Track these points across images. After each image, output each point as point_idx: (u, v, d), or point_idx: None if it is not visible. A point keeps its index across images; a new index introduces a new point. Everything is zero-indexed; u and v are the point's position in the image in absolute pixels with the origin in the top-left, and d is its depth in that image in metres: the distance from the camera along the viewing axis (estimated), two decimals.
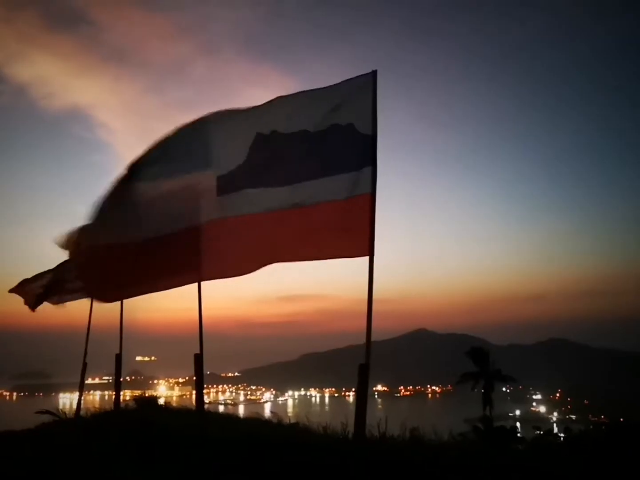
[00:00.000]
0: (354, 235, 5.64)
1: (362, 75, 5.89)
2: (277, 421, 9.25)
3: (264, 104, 6.29)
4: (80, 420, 11.04)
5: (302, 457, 5.87)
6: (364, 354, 5.20)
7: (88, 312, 11.70)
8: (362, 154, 5.71)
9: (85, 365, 11.92)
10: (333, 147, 5.91)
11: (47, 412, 11.67)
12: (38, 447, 8.30)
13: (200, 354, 6.66)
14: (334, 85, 5.99)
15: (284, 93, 6.26)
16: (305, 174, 5.99)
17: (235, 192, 6.29)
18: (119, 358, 10.45)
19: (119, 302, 9.89)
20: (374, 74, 5.82)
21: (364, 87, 5.82)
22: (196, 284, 6.84)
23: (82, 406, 12.06)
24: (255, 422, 9.52)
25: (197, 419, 6.95)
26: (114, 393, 10.79)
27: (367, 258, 5.48)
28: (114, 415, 10.39)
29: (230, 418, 10.84)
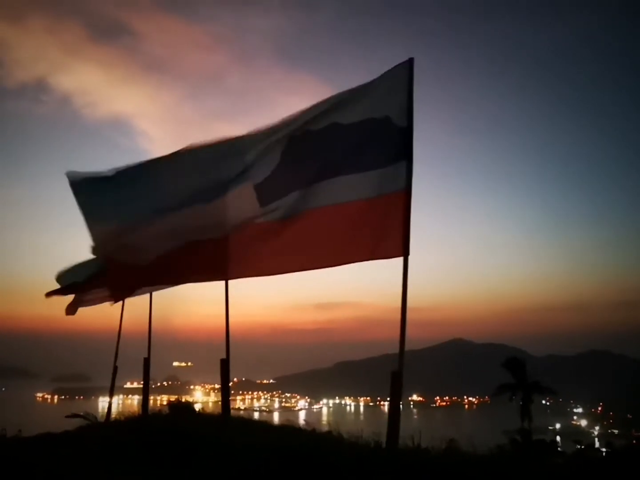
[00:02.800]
0: (388, 235, 5.35)
1: (398, 64, 5.50)
2: (311, 430, 9.11)
3: (299, 111, 6.02)
4: (109, 424, 11.06)
5: (333, 468, 5.71)
6: (397, 361, 5.00)
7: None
8: (397, 147, 5.39)
9: (115, 368, 11.96)
10: (367, 142, 5.59)
11: (77, 415, 11.75)
12: (64, 451, 8.31)
13: (226, 359, 6.46)
14: (370, 81, 5.63)
15: (317, 100, 5.91)
16: (338, 169, 5.71)
17: (279, 200, 6.06)
18: (147, 362, 10.46)
19: (147, 308, 10.04)
20: (410, 62, 5.45)
21: (400, 77, 5.47)
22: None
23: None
24: (286, 430, 9.39)
25: (226, 427, 6.84)
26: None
27: (402, 261, 5.19)
28: (142, 420, 10.39)
29: (262, 425, 10.73)
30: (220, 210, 6.37)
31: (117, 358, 11.88)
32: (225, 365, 6.50)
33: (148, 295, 11.01)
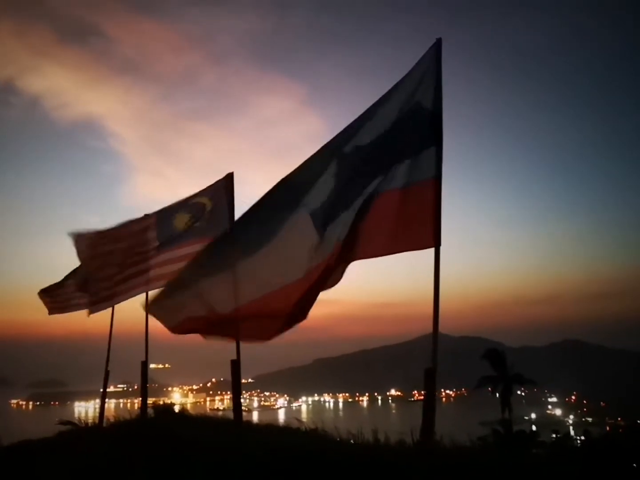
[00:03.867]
0: (418, 224, 5.05)
1: (428, 49, 5.24)
2: (305, 429, 8.94)
3: (346, 126, 5.55)
4: (103, 429, 10.92)
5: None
6: (430, 357, 4.80)
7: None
8: (427, 132, 5.08)
9: (107, 373, 11.92)
10: (403, 134, 5.22)
11: (68, 422, 11.56)
12: (62, 458, 8.17)
13: (237, 360, 6.24)
14: (407, 73, 5.32)
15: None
16: (377, 172, 5.25)
17: (332, 223, 5.30)
18: (144, 365, 10.39)
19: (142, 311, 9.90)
20: (438, 43, 5.22)
21: (428, 59, 5.20)
22: None
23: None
24: (285, 432, 9.26)
25: (233, 433, 6.69)
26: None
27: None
28: (141, 424, 10.26)
29: (255, 427, 10.63)
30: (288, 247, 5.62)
31: (108, 362, 11.82)
32: (235, 366, 6.26)
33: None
